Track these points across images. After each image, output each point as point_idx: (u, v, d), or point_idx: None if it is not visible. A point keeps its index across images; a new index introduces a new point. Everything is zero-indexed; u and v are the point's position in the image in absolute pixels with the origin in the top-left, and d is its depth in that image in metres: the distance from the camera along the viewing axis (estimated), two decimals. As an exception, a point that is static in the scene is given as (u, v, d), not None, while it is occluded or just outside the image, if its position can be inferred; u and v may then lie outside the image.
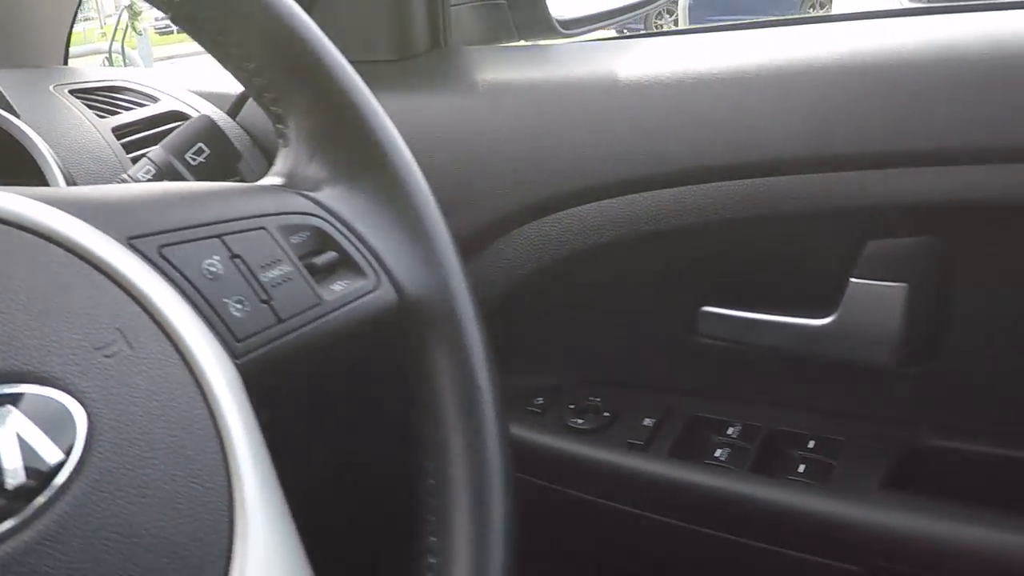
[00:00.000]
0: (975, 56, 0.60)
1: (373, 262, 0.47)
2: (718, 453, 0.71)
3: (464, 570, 0.42)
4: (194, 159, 0.64)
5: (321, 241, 0.46)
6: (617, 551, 0.79)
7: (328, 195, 0.48)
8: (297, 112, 0.49)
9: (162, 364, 0.35)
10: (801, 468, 0.70)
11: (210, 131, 0.65)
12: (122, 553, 0.30)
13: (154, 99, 0.87)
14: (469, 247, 0.75)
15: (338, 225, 0.47)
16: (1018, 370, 0.67)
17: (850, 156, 0.63)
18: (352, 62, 0.49)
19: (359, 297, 0.45)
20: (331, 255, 0.46)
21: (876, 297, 0.67)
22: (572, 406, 0.77)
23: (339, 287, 0.45)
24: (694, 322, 0.74)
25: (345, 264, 0.46)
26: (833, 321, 0.69)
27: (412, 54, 0.84)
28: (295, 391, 0.46)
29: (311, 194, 0.48)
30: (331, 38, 0.48)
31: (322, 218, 0.47)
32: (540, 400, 0.78)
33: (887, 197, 0.63)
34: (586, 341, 0.79)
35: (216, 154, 0.64)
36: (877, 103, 0.62)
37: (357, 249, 0.47)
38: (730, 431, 0.73)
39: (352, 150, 0.49)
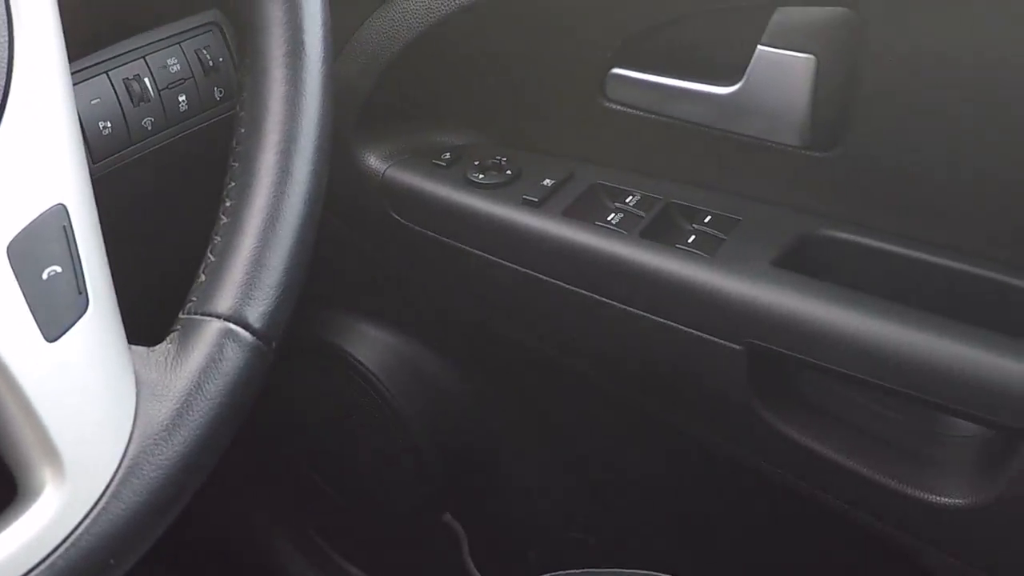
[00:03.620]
0: None
1: None
2: (611, 217, 0.71)
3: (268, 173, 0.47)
4: None
5: None
6: (503, 311, 0.80)
7: None
8: None
9: None
10: (691, 239, 0.70)
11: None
12: None
13: None
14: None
15: None
16: (918, 164, 0.66)
17: None
18: None
19: None
20: None
21: (782, 67, 0.65)
22: (477, 163, 0.76)
23: None
24: (603, 85, 0.73)
25: None
26: (738, 89, 0.67)
27: None
28: None
29: None
30: None
31: None
32: (447, 155, 0.78)
33: None
34: (496, 101, 0.78)
35: None
36: None
37: None
38: (628, 200, 0.73)
39: None
